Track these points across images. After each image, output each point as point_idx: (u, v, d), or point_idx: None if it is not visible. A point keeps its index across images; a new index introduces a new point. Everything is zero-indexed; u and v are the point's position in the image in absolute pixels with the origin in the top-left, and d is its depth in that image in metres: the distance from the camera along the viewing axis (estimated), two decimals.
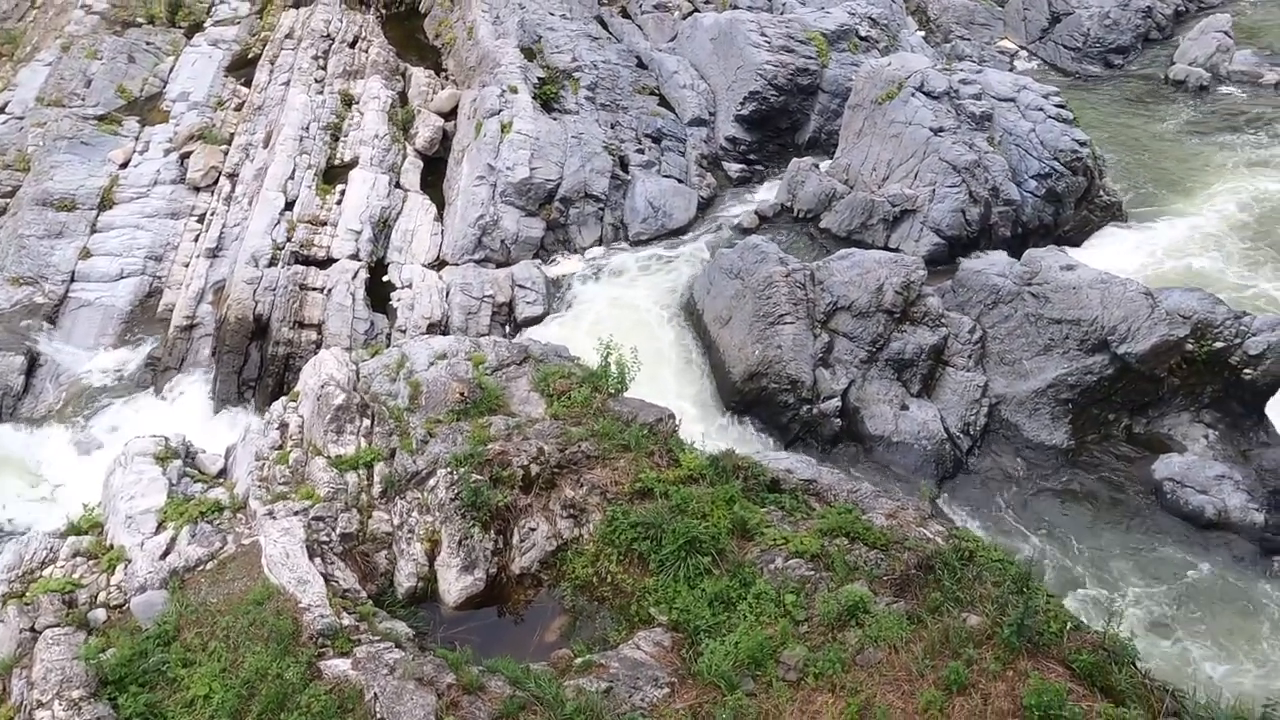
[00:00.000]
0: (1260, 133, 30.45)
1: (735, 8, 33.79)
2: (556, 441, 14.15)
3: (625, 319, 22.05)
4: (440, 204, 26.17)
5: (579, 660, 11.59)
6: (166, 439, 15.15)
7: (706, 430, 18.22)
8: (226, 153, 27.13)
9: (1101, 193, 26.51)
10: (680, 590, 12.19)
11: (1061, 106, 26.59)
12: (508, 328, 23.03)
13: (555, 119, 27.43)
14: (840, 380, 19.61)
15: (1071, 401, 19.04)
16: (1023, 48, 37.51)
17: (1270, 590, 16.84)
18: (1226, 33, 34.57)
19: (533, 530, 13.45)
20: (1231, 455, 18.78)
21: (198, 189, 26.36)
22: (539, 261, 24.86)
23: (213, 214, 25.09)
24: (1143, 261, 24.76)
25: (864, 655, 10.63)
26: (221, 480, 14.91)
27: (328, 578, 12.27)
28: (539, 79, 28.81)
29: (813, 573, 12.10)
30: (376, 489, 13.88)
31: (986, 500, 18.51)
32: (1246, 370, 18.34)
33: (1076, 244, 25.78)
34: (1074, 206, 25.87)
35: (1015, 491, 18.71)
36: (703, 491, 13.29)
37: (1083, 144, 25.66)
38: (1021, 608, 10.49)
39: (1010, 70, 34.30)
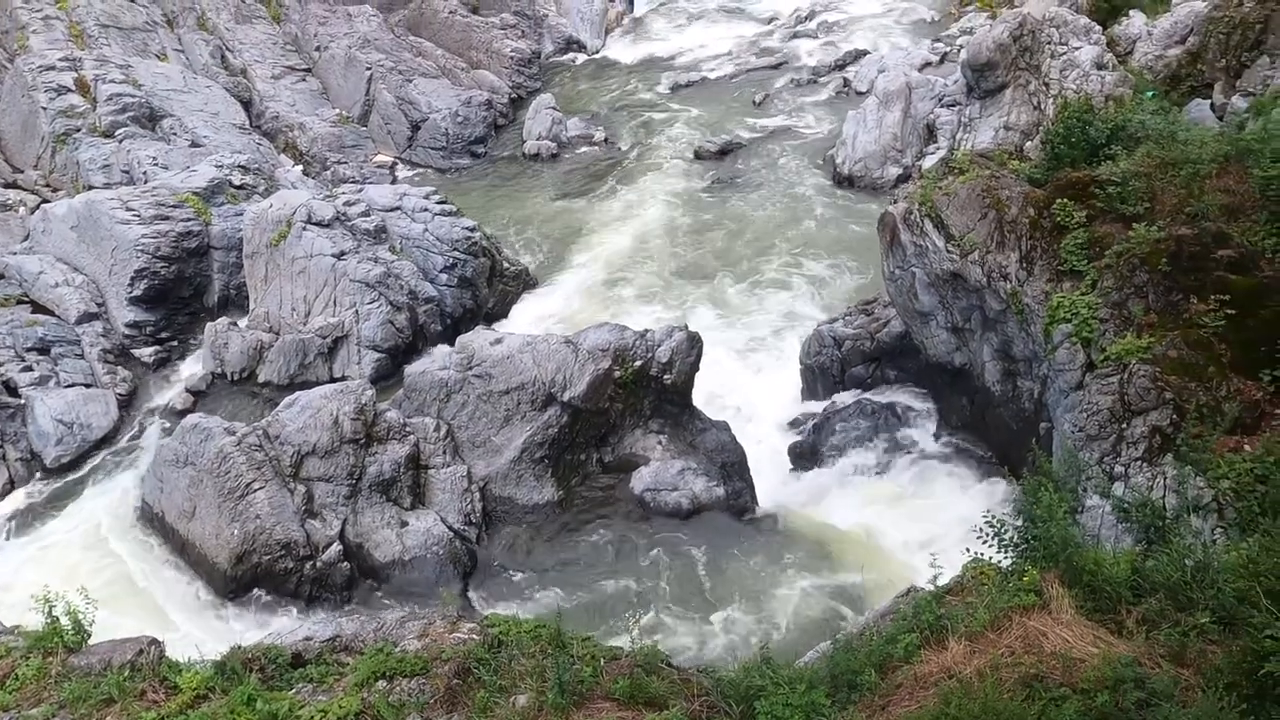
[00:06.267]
0: (609, 182, 35.67)
1: (90, 187, 31.40)
2: None
3: (69, 560, 19.13)
4: None
5: None
6: None
7: (209, 634, 16.50)
8: None
9: (507, 265, 29.08)
10: None
11: (443, 202, 28.70)
12: None
13: None
14: (333, 525, 19.01)
15: (546, 457, 20.49)
16: (397, 158, 39.76)
17: (748, 544, 19.67)
18: (554, 108, 40.02)
19: None
20: (684, 449, 21.57)
21: None
22: None
23: None
24: (559, 315, 27.60)
25: None
26: None
27: None
28: None
29: None
30: None
31: (510, 578, 19.18)
32: (665, 377, 21.23)
33: (505, 316, 28.01)
34: (488, 285, 28.03)
35: (531, 558, 19.63)
36: (217, 706, 11.95)
37: (473, 229, 27.93)
38: (555, 667, 10.97)
39: (393, 182, 36.17)
